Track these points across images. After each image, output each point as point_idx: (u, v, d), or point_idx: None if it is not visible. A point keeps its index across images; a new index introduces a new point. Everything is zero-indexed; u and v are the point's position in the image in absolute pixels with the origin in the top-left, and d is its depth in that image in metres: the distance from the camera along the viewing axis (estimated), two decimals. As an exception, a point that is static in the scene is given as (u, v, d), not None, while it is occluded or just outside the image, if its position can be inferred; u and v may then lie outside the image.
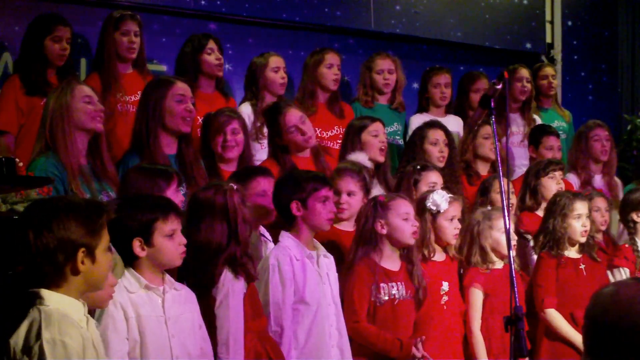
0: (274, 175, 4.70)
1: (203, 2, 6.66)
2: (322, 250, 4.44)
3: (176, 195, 4.18)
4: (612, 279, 5.43)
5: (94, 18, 6.06)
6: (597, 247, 5.40)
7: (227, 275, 3.90)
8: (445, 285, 4.89)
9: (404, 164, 5.76)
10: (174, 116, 4.77)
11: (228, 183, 4.09)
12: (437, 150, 5.75)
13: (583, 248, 5.29)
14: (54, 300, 2.73)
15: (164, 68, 6.42)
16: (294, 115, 5.26)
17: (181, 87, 4.87)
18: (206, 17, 6.75)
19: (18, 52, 5.48)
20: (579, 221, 5.23)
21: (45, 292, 2.74)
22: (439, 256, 4.98)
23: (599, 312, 2.39)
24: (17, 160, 3.52)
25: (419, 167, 5.39)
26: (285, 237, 4.35)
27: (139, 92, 5.39)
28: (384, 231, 4.57)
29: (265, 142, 5.71)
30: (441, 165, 5.69)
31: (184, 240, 3.69)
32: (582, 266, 5.25)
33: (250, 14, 6.89)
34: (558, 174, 5.82)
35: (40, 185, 3.93)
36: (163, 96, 4.79)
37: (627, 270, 5.48)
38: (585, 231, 5.24)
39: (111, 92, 5.42)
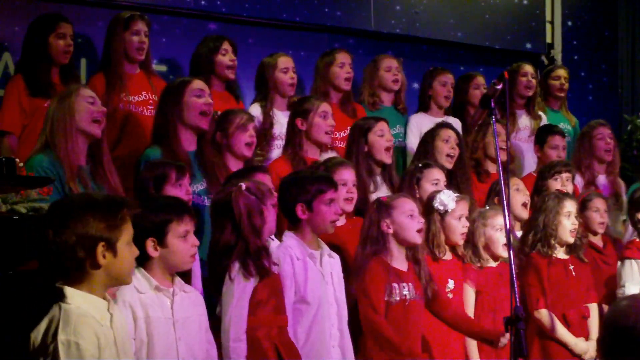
0: (268, 171, 4.79)
1: (203, 2, 6.66)
2: (326, 249, 4.44)
3: (175, 190, 4.28)
4: (622, 271, 5.43)
5: (94, 18, 6.07)
6: (584, 249, 5.39)
7: (235, 268, 3.94)
8: (450, 283, 4.91)
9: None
10: (193, 110, 4.89)
11: (237, 183, 4.13)
12: (448, 147, 5.72)
13: (571, 249, 5.30)
14: (75, 298, 2.77)
15: (164, 68, 6.42)
16: None
17: (199, 83, 5.02)
18: (206, 17, 6.76)
19: (18, 52, 5.48)
20: (569, 219, 5.24)
21: (68, 290, 2.78)
22: (447, 255, 4.99)
23: (618, 316, 2.70)
24: (17, 160, 3.52)
25: (420, 165, 5.41)
26: (289, 236, 4.37)
27: (143, 93, 5.46)
28: (391, 230, 4.55)
29: (276, 142, 5.78)
30: (449, 165, 5.69)
31: (196, 242, 3.73)
32: (571, 267, 5.26)
33: (250, 14, 6.89)
34: (565, 175, 5.82)
35: (41, 186, 3.93)
36: (182, 92, 4.92)
37: (639, 261, 5.48)
38: (575, 229, 5.25)
39: (115, 91, 5.44)
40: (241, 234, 3.97)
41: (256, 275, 3.95)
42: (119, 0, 6.27)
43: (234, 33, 6.82)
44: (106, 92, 5.42)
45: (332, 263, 4.43)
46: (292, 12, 7.06)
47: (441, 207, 4.93)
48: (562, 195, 5.34)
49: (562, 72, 7.38)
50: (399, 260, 4.59)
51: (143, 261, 3.65)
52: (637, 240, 5.60)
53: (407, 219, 4.55)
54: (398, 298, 4.50)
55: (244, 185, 4.06)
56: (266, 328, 3.99)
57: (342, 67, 6.20)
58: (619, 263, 5.50)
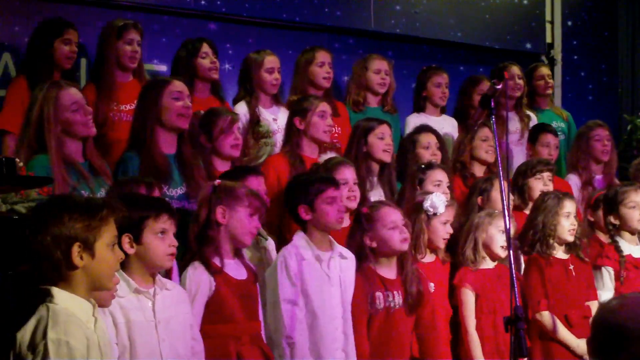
0: (261, 173, 4.82)
1: (203, 2, 6.66)
2: (338, 250, 4.44)
3: None
4: (597, 279, 5.41)
5: (94, 18, 6.06)
6: (583, 248, 5.36)
7: (191, 266, 4.04)
8: (430, 286, 4.85)
9: (397, 169, 5.74)
10: (171, 113, 4.74)
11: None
12: (429, 154, 5.74)
13: (570, 248, 5.28)
14: (62, 298, 2.75)
15: (164, 68, 6.42)
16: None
17: (178, 85, 4.85)
18: (206, 17, 6.76)
19: (18, 52, 5.49)
20: (568, 220, 5.22)
21: (55, 290, 2.76)
22: (428, 257, 4.96)
23: (607, 315, 2.73)
24: (17, 160, 3.52)
25: (423, 166, 5.41)
26: (299, 236, 4.41)
27: (135, 101, 5.41)
28: (374, 244, 4.53)
29: (263, 140, 5.75)
30: None
31: (174, 242, 3.68)
32: (571, 267, 5.24)
33: (250, 14, 6.89)
34: (546, 175, 5.77)
35: (41, 186, 3.93)
36: (160, 94, 4.76)
37: (611, 269, 5.46)
38: (573, 230, 5.23)
39: (105, 101, 5.43)
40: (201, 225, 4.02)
41: (209, 274, 3.96)
42: (119, 0, 6.27)
43: (234, 33, 6.84)
44: (97, 101, 5.40)
45: (343, 265, 4.43)
46: (292, 12, 7.06)
47: (431, 209, 4.90)
48: (562, 196, 5.31)
49: (544, 70, 7.36)
50: (387, 268, 4.56)
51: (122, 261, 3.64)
52: (609, 244, 5.56)
53: (390, 231, 4.50)
54: (382, 306, 4.48)
55: (217, 182, 4.12)
56: (232, 339, 3.97)
57: (322, 67, 6.16)
58: (594, 271, 5.45)
